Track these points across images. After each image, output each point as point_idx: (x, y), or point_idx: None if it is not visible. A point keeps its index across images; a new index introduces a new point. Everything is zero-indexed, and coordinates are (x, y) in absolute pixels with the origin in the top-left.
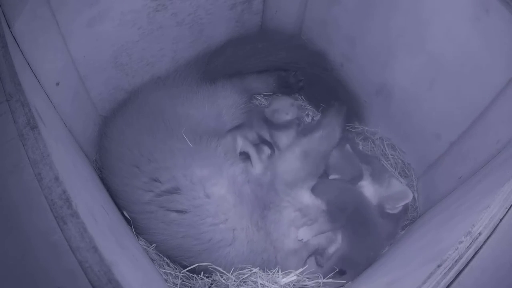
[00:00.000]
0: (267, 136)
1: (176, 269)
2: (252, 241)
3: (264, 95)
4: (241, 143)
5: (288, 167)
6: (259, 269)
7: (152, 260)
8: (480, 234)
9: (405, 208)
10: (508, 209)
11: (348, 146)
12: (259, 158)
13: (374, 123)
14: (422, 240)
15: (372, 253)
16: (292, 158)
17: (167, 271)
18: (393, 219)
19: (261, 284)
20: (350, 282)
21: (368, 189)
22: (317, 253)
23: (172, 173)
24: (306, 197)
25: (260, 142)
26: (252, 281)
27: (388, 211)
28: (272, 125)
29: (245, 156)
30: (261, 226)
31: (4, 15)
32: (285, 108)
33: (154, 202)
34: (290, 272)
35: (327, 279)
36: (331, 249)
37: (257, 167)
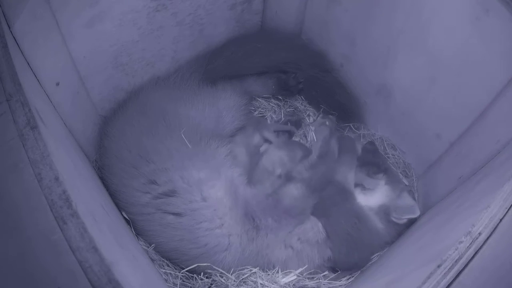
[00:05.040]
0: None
1: (176, 269)
2: (245, 249)
3: (264, 97)
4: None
5: (290, 204)
6: (259, 269)
7: (152, 260)
8: (480, 234)
9: (409, 223)
10: (508, 209)
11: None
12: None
13: (374, 123)
14: (422, 240)
15: (358, 262)
16: (299, 196)
17: (167, 271)
18: (394, 229)
19: (261, 284)
20: (350, 280)
21: (381, 192)
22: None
23: (170, 175)
24: (308, 224)
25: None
26: (252, 281)
27: (394, 219)
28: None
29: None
30: (252, 238)
31: (4, 15)
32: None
33: (151, 204)
34: (290, 272)
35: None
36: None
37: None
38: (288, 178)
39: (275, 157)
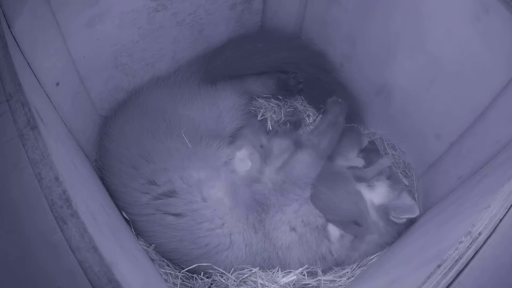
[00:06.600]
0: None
1: (176, 269)
2: (250, 244)
3: (264, 97)
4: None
5: (302, 172)
6: (259, 269)
7: (152, 260)
8: (480, 234)
9: (408, 223)
10: (508, 209)
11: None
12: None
13: (374, 123)
14: (422, 240)
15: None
16: (311, 162)
17: (167, 271)
18: (394, 229)
19: (261, 284)
20: (350, 280)
21: (381, 189)
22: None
23: (169, 176)
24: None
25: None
26: (252, 281)
27: (392, 218)
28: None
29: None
30: (259, 228)
31: (4, 15)
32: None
33: (151, 205)
34: (290, 272)
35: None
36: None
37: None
38: (298, 145)
39: (284, 145)
